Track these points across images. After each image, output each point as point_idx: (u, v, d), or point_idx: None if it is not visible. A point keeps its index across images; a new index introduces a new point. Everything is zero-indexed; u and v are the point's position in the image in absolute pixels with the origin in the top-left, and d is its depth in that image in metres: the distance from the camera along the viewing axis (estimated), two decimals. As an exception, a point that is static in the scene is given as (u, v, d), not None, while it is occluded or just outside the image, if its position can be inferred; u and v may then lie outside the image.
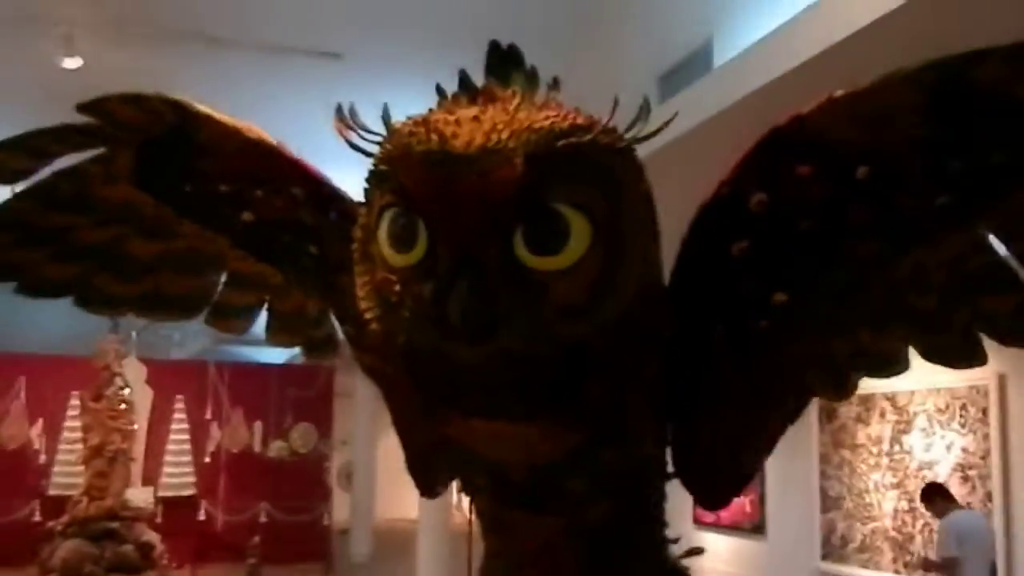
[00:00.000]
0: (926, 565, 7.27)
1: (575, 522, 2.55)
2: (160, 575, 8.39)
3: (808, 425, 12.14)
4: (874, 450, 10.99)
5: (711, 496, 2.86)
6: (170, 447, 14.17)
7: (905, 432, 10.53)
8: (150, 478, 13.96)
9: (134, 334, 16.11)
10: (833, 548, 11.62)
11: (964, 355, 2.59)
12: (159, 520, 13.43)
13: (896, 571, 10.60)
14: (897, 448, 10.65)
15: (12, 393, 13.76)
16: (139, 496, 13.15)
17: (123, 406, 8.97)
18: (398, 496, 21.15)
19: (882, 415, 10.83)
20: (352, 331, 2.96)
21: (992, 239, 2.25)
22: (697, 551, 3.68)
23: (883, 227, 2.30)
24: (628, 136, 1.92)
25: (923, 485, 8.36)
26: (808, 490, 12.07)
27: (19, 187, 2.97)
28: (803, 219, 2.33)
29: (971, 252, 2.32)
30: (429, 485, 3.11)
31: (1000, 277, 2.32)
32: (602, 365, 2.22)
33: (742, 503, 13.63)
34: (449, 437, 2.48)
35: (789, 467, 12.58)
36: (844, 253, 2.37)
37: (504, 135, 1.78)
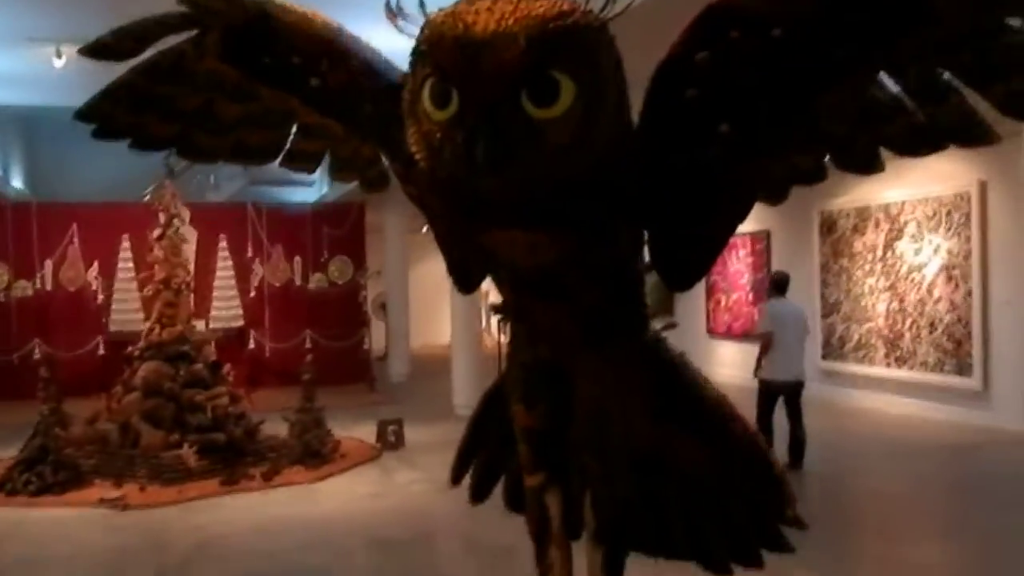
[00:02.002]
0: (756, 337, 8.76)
1: (575, 306, 3.46)
2: (229, 390, 9.41)
3: (810, 238, 12.93)
4: (869, 257, 11.80)
5: (680, 281, 3.72)
6: (217, 283, 15.07)
7: (897, 239, 11.31)
8: (201, 313, 14.98)
9: (168, 182, 16.92)
10: (832, 348, 12.59)
11: (868, 165, 3.40)
12: (212, 350, 14.62)
13: (887, 365, 11.59)
14: (890, 254, 11.45)
15: (67, 239, 14.67)
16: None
17: (182, 239, 9.81)
18: (429, 325, 22.35)
19: (876, 225, 11.58)
20: (401, 169, 3.79)
21: (885, 78, 3.03)
22: (672, 325, 4.59)
23: (799, 73, 3.07)
24: (601, 16, 2.74)
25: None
26: (810, 297, 12.94)
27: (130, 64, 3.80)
28: (737, 70, 3.10)
29: (870, 89, 3.07)
30: (465, 284, 4.01)
31: (893, 107, 3.09)
32: (589, 187, 3.05)
33: (751, 313, 14.57)
34: (478, 244, 3.34)
35: (793, 277, 13.42)
36: (772, 94, 3.14)
37: (510, 22, 2.63)
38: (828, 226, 12.51)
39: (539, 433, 3.86)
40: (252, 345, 15.27)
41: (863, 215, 11.77)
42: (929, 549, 5.98)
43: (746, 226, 11.51)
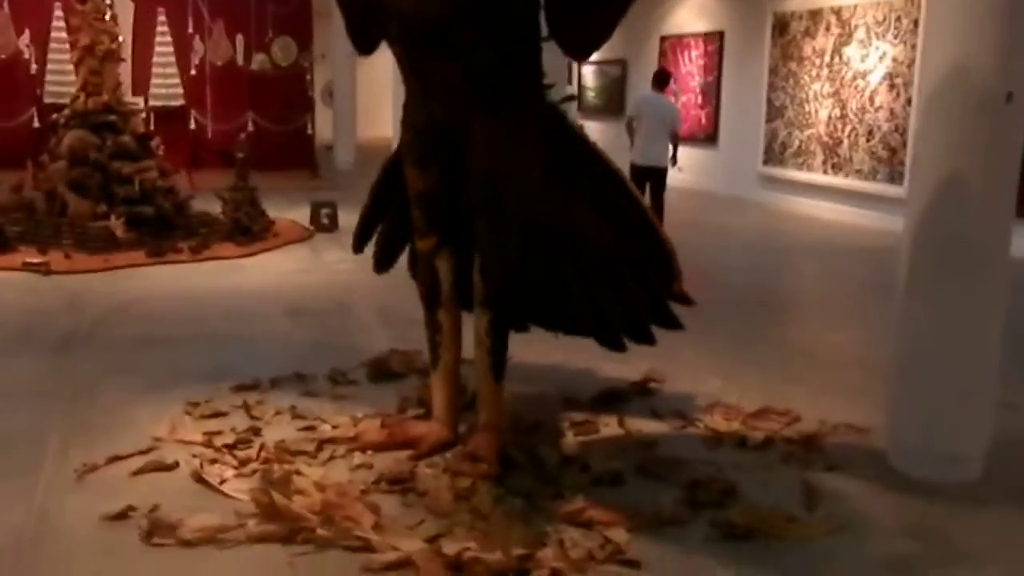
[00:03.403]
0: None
1: (468, 64, 3.40)
2: (158, 164, 9.27)
3: (762, 40, 12.71)
4: (817, 62, 11.66)
5: (577, 48, 3.67)
6: (156, 59, 14.63)
7: (846, 44, 11.15)
8: (139, 88, 14.62)
9: (108, -53, 16.08)
10: (773, 154, 12.63)
11: None
12: (152, 129, 14.35)
13: (824, 172, 11.67)
14: (837, 59, 11.32)
15: (-4, 4, 14.05)
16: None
17: (108, 5, 9.38)
18: (377, 117, 21.98)
19: (827, 28, 11.39)
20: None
21: None
22: (571, 97, 4.53)
23: None
24: None
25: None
26: (756, 102, 12.88)
27: None
28: None
29: None
30: (363, 44, 3.91)
31: None
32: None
33: (699, 116, 14.51)
34: (367, -2, 3.22)
35: (741, 81, 13.34)
36: None
37: None
38: (780, 28, 12.30)
39: (431, 196, 3.90)
40: (193, 125, 15.00)
41: (815, 18, 11.55)
42: (825, 336, 6.21)
43: (699, 26, 11.61)
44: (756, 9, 12.69)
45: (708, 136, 14.21)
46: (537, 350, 5.03)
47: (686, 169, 14.87)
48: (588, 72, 17.97)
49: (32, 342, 5.58)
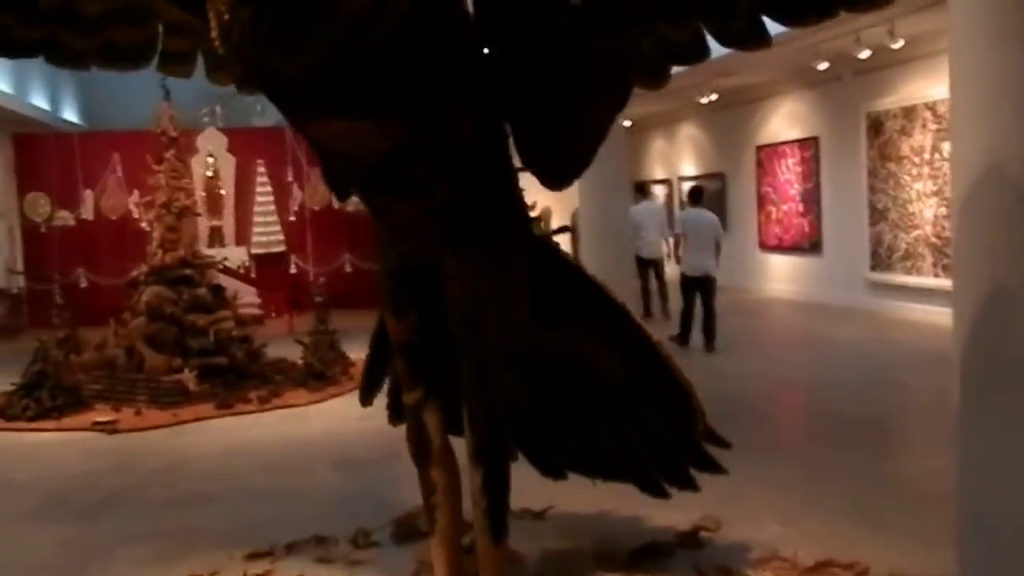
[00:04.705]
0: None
1: (428, 202, 3.09)
2: (234, 314, 9.30)
3: (857, 142, 12.18)
4: (916, 160, 11.03)
5: (555, 179, 3.33)
6: (257, 208, 15.07)
7: (944, 139, 10.50)
8: (242, 238, 15.03)
9: (218, 108, 16.84)
10: (880, 259, 11.92)
11: (752, 37, 2.96)
12: (254, 275, 14.64)
13: (936, 275, 10.88)
14: (937, 156, 10.68)
15: (109, 168, 14.77)
16: (234, 254, 14.32)
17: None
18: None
19: (923, 125, 10.80)
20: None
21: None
22: (565, 228, 4.17)
23: None
24: None
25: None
26: (858, 206, 12.26)
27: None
28: None
29: None
30: (338, 190, 3.68)
31: None
32: (403, 64, 2.67)
33: (801, 224, 13.95)
34: (310, 139, 2.99)
35: (841, 186, 12.77)
36: None
37: None
38: (875, 129, 11.73)
39: (412, 345, 3.56)
40: (294, 269, 15.23)
41: (910, 115, 10.96)
42: (916, 462, 5.53)
43: (793, 133, 11.17)
44: (849, 111, 12.20)
45: (812, 244, 13.57)
46: (585, 498, 4.59)
47: (791, 279, 14.31)
48: (688, 188, 17.64)
49: (63, 507, 5.44)
